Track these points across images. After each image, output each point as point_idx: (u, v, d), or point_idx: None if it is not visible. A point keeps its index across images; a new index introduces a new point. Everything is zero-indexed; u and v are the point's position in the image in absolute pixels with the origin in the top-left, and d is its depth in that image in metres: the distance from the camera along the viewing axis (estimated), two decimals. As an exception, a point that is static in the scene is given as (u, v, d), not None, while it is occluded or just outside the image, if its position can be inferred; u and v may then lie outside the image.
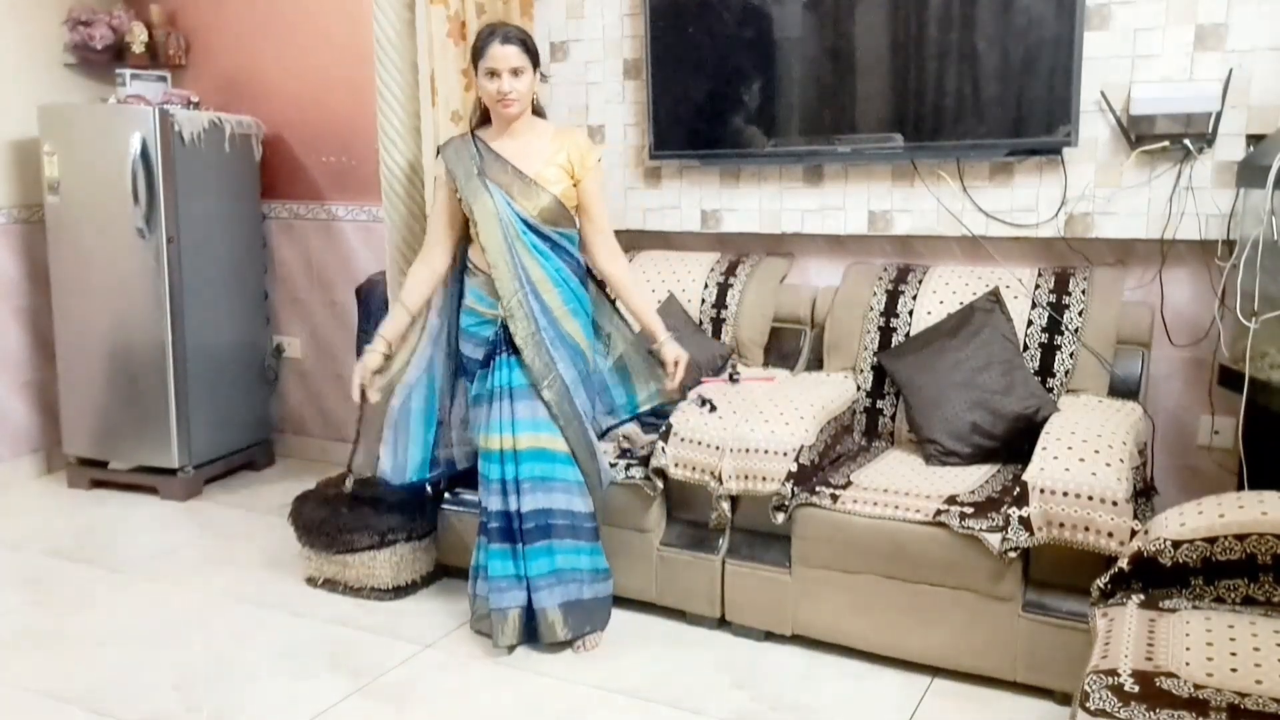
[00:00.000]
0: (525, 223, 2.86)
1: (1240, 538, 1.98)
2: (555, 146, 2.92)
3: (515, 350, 2.86)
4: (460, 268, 3.02)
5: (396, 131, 3.43)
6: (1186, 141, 2.93)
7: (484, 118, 2.98)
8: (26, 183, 4.36)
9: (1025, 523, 2.48)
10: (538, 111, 3.00)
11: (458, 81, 3.40)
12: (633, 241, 3.80)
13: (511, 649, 2.87)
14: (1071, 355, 3.00)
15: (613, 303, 3.11)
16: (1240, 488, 2.75)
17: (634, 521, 3.02)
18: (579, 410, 2.89)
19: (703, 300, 3.48)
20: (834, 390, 3.12)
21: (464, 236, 3.00)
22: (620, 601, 3.05)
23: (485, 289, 2.91)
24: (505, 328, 2.87)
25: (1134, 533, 2.36)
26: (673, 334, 3.22)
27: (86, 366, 4.24)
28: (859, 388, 3.22)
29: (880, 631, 2.73)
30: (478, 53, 2.83)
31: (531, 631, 2.88)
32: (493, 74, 2.80)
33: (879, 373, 3.21)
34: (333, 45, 4.29)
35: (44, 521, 3.99)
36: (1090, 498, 2.44)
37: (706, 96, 3.49)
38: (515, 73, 2.80)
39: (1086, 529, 2.44)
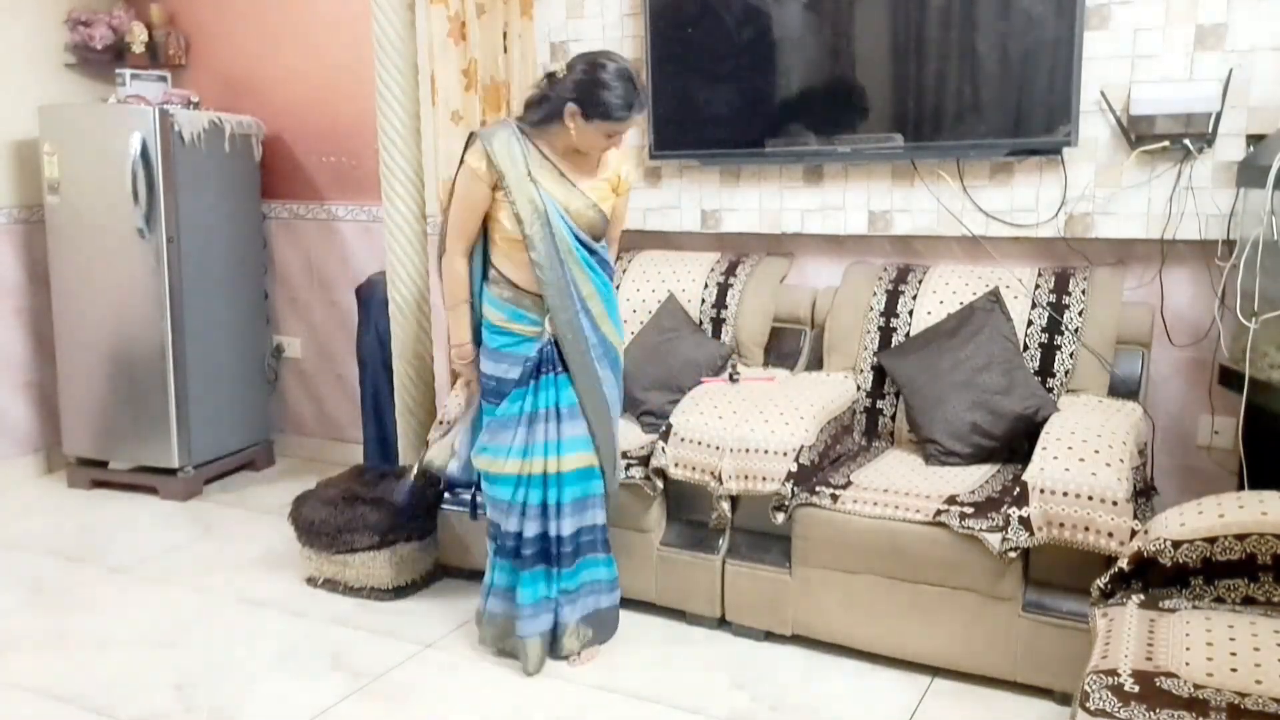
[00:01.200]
0: (577, 237, 2.70)
1: (1240, 538, 1.98)
2: (615, 167, 2.79)
3: (565, 367, 2.72)
4: (479, 279, 2.80)
5: (396, 131, 3.44)
6: (1186, 141, 2.92)
7: (543, 118, 2.67)
8: (26, 183, 4.36)
9: (1025, 523, 2.48)
10: None
11: (458, 81, 3.40)
12: (633, 241, 3.80)
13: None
14: (1071, 355, 3.00)
15: None
16: (1240, 488, 2.75)
17: (634, 521, 3.02)
18: (612, 424, 2.82)
19: (703, 300, 3.48)
20: (834, 390, 3.12)
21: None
22: (620, 601, 3.05)
23: (526, 307, 2.72)
24: (554, 344, 2.71)
25: (1134, 533, 2.36)
26: (672, 333, 3.22)
27: (86, 366, 4.24)
28: (859, 388, 3.22)
29: (880, 631, 2.73)
30: (608, 107, 2.54)
31: (551, 648, 2.83)
32: (609, 135, 2.62)
33: (879, 373, 3.21)
34: (333, 45, 4.29)
35: (44, 521, 3.99)
36: (1090, 498, 2.44)
37: (706, 96, 3.49)
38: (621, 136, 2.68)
39: (1086, 529, 2.44)
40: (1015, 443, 2.89)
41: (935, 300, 3.19)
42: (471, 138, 2.71)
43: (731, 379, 3.22)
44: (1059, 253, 3.23)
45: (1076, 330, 3.01)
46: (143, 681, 2.76)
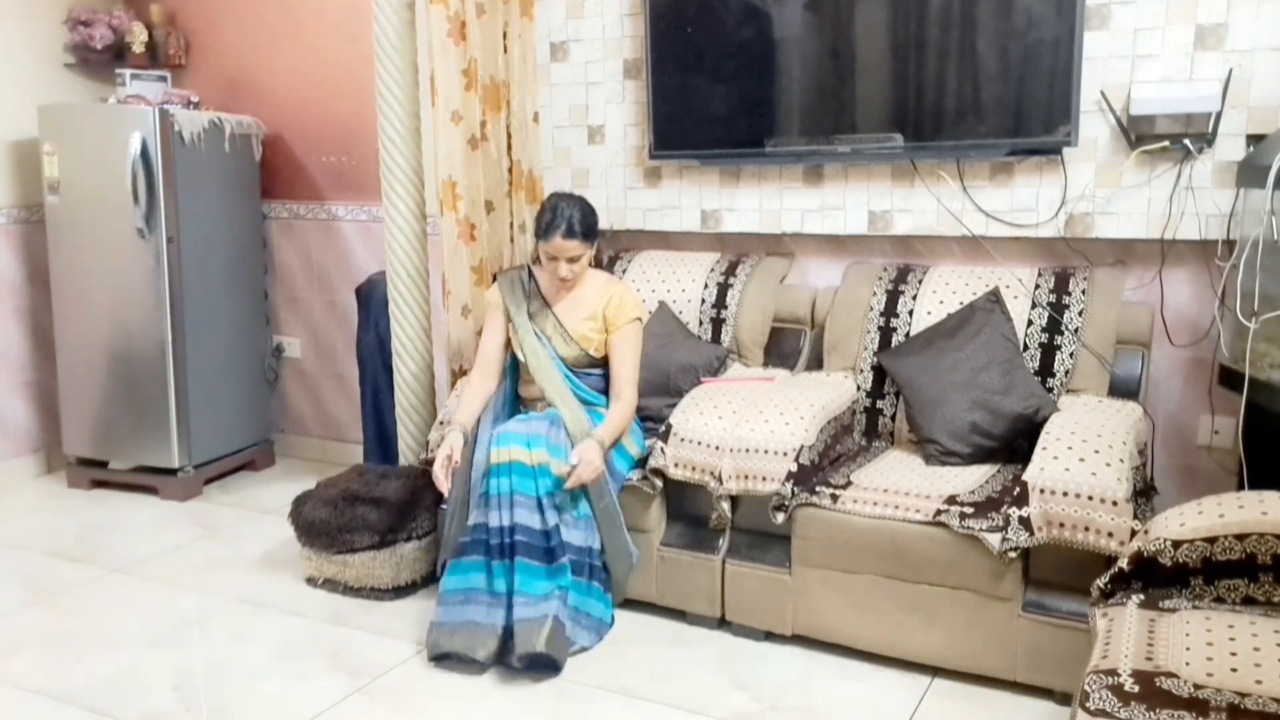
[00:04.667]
0: (564, 364, 3.07)
1: (1240, 538, 1.97)
2: (599, 300, 3.07)
3: None
4: (510, 397, 3.18)
5: (396, 131, 3.44)
6: (1186, 141, 2.93)
7: (532, 253, 3.15)
8: (26, 183, 4.36)
9: (1025, 523, 2.48)
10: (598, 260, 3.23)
11: (458, 81, 3.40)
12: (632, 241, 3.81)
13: None
14: (1071, 355, 3.00)
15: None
16: (1240, 488, 2.75)
17: (634, 521, 3.02)
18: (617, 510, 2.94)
19: (702, 300, 3.48)
20: (834, 390, 3.12)
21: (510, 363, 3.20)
22: (621, 601, 3.05)
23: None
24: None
25: (1134, 533, 2.36)
26: (665, 339, 3.29)
27: (86, 366, 4.24)
28: (859, 388, 3.22)
29: (880, 631, 2.73)
30: (541, 231, 2.98)
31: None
32: (553, 258, 2.99)
33: (879, 373, 3.21)
34: (333, 45, 4.29)
35: (44, 521, 3.99)
36: (1090, 498, 2.44)
37: (706, 96, 3.49)
38: (573, 259, 2.99)
39: (1086, 529, 2.44)
40: (1015, 443, 2.89)
41: (935, 300, 3.19)
42: (494, 277, 3.29)
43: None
44: (1059, 253, 3.23)
45: (1076, 330, 3.01)
46: (143, 681, 2.76)
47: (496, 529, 2.80)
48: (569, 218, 2.95)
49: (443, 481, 2.85)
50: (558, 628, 2.73)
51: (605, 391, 3.11)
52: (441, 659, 2.79)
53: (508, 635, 2.74)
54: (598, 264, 3.23)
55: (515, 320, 3.09)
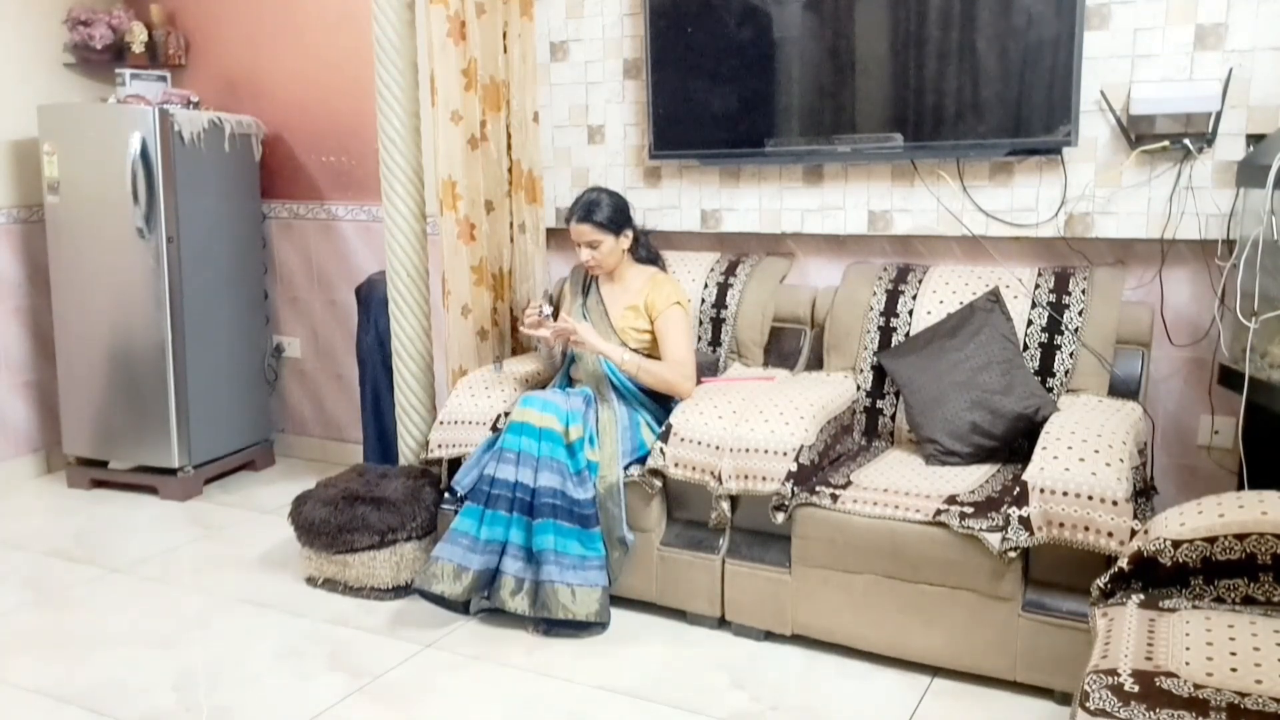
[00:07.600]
0: (607, 363, 3.14)
1: (1240, 537, 1.97)
2: (641, 291, 3.19)
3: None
4: (565, 380, 3.31)
5: (396, 131, 3.44)
6: (1186, 141, 2.92)
7: None
8: (26, 183, 4.36)
9: (1025, 522, 2.48)
10: (650, 257, 3.34)
11: (458, 81, 3.40)
12: (633, 241, 3.81)
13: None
14: (1071, 355, 3.00)
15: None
16: (1240, 487, 2.75)
17: (634, 521, 3.02)
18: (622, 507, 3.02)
19: (703, 300, 3.48)
20: (834, 390, 3.12)
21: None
22: (620, 601, 3.06)
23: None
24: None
25: (1134, 532, 2.36)
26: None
27: (86, 366, 4.24)
28: (859, 388, 3.22)
29: (880, 631, 2.73)
30: (566, 217, 3.20)
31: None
32: (576, 243, 3.17)
33: (879, 373, 3.21)
34: (333, 45, 4.29)
35: (44, 521, 3.99)
36: (1090, 497, 2.44)
37: (706, 96, 3.49)
38: (592, 244, 3.14)
39: (1086, 529, 2.44)
40: (1015, 442, 2.90)
41: (935, 300, 3.19)
42: (571, 274, 3.45)
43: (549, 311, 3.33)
44: (1059, 252, 3.23)
45: (1076, 330, 3.01)
46: (143, 681, 2.76)
47: (488, 478, 2.96)
48: (588, 203, 3.14)
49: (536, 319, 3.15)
50: (534, 587, 2.90)
51: (648, 393, 3.15)
52: (421, 593, 3.00)
53: (483, 578, 2.94)
54: (650, 261, 3.33)
55: (571, 305, 3.29)
